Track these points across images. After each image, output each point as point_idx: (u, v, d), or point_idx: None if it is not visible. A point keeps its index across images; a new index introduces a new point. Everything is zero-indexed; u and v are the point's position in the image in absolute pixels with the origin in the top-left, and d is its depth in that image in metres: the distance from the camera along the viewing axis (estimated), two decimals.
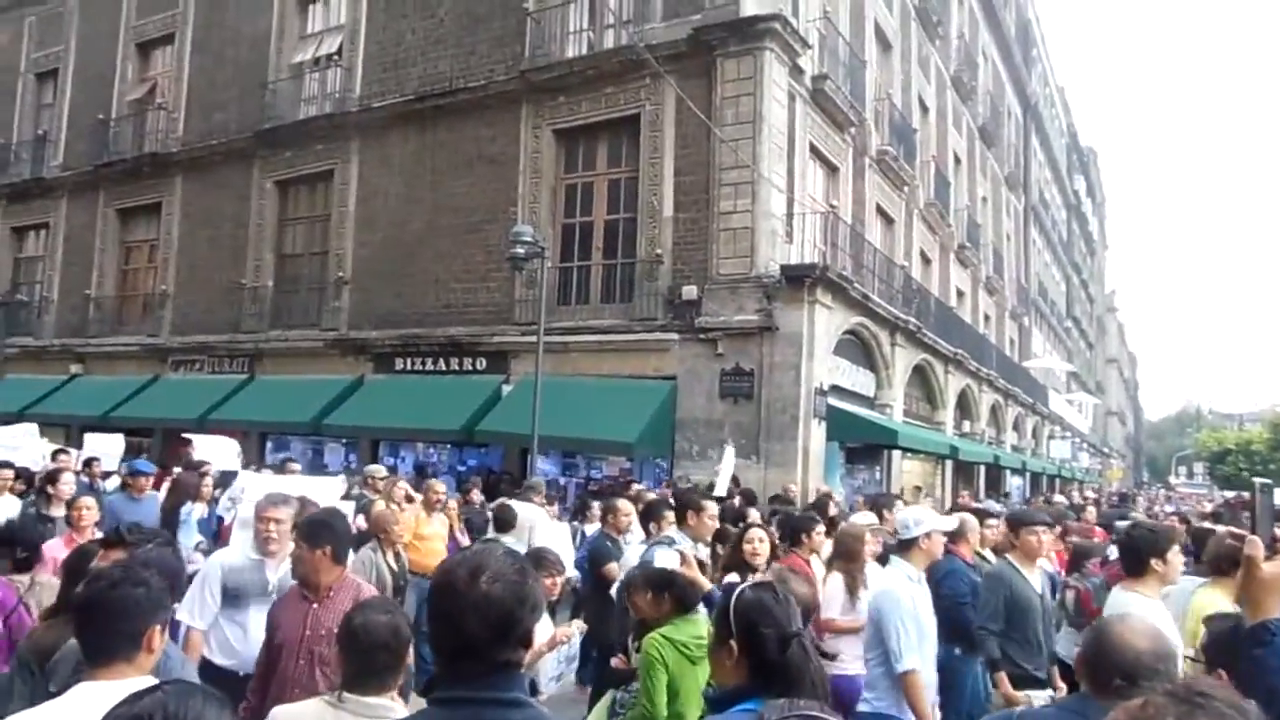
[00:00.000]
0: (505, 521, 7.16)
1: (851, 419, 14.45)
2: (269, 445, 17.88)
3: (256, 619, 4.23)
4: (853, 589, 5.41)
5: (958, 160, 26.45)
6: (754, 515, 7.96)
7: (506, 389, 14.85)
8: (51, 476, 7.21)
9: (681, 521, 5.54)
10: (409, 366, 16.39)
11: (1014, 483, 29.38)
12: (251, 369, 18.63)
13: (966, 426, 23.59)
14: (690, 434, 13.52)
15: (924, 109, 23.12)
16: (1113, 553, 6.74)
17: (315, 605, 3.72)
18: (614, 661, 4.82)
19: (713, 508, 5.77)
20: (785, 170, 14.20)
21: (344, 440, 17.04)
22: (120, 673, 2.20)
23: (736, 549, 5.29)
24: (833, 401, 13.94)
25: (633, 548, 6.42)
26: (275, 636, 3.74)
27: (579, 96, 14.97)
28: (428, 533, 7.89)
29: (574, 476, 15.34)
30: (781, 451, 12.88)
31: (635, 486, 11.61)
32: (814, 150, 15.82)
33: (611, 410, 13.33)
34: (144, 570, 2.39)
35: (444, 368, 15.96)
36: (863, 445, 16.60)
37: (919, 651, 4.42)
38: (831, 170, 16.92)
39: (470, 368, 15.65)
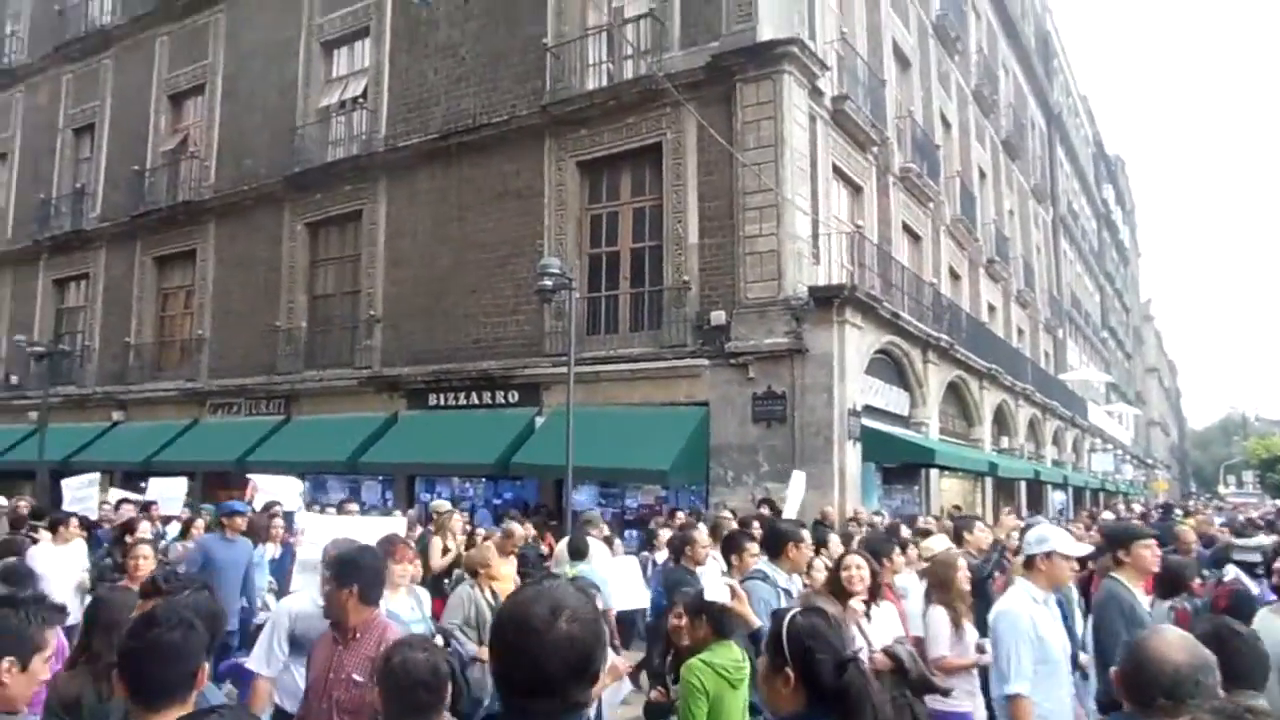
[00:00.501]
0: (579, 551, 7.17)
1: (887, 439, 14.30)
2: (307, 484, 18.01)
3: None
4: (957, 621, 5.13)
5: (982, 174, 26.31)
6: (835, 541, 7.62)
7: (539, 421, 14.88)
8: (128, 526, 7.24)
9: (778, 554, 5.19)
10: (442, 402, 16.49)
11: (1056, 498, 28.85)
12: (288, 410, 18.85)
13: (1005, 442, 23.24)
14: (724, 460, 13.45)
15: (946, 125, 23.06)
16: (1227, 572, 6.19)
17: (341, 648, 3.67)
18: (652, 695, 4.79)
19: (809, 539, 5.49)
20: (809, 192, 14.20)
21: (380, 477, 17.14)
22: (173, 714, 2.25)
23: (834, 577, 5.04)
24: (867, 422, 13.81)
25: (710, 579, 6.23)
26: (309, 678, 3.75)
27: (601, 128, 15.10)
28: (502, 573, 7.76)
29: (610, 506, 15.30)
30: (817, 474, 12.74)
31: (680, 515, 11.56)
32: (837, 171, 15.82)
33: (645, 438, 13.30)
34: (185, 611, 2.43)
35: (476, 402, 16.04)
36: (900, 465, 16.41)
37: (1032, 677, 4.07)
38: (855, 190, 16.90)
39: (502, 401, 15.71)
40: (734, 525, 7.92)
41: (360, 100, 18.76)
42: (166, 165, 22.10)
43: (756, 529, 6.62)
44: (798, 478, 11.54)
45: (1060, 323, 36.19)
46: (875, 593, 5.03)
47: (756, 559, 5.49)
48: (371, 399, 17.33)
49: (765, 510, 11.27)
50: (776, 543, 5.25)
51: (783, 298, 13.22)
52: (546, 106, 15.40)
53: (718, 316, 13.59)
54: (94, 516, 9.77)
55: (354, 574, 3.68)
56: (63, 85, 25.11)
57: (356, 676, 3.51)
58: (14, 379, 24.24)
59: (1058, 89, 39.97)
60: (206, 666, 2.40)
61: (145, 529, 7.35)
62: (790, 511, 10.69)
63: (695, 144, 14.12)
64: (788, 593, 4.77)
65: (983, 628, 4.86)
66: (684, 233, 14.14)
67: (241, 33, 21.07)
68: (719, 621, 4.10)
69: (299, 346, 18.86)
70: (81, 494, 11.40)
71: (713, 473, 13.51)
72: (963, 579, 5.31)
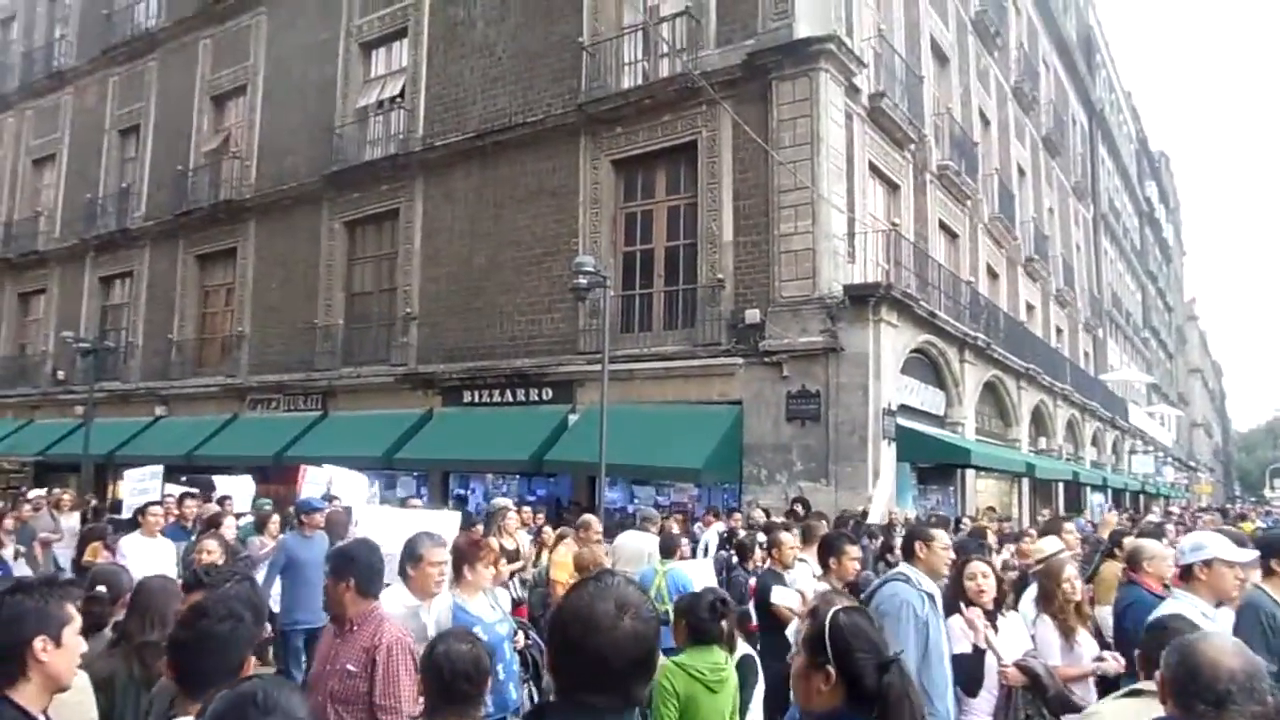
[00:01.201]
0: (669, 549, 7.22)
1: (922, 439, 14.17)
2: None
3: None
4: (1067, 632, 4.85)
5: (1022, 172, 25.95)
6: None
7: (573, 418, 14.94)
8: (213, 521, 7.23)
9: (911, 556, 4.80)
10: (477, 399, 16.63)
11: (1094, 500, 28.38)
12: (325, 406, 19.11)
13: (1042, 443, 22.92)
14: (758, 458, 13.42)
15: (985, 121, 22.78)
16: None
17: (339, 640, 3.69)
18: None
19: (945, 538, 5.06)
20: (845, 190, 14.11)
21: (415, 473, 17.31)
22: None
23: (957, 585, 4.76)
24: (902, 421, 13.70)
25: (802, 583, 5.87)
26: (310, 672, 3.80)
27: (636, 126, 15.13)
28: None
29: (643, 504, 15.32)
30: (852, 474, 12.69)
31: (736, 516, 11.56)
32: (873, 168, 15.71)
33: (678, 436, 13.31)
34: (235, 604, 2.49)
35: (511, 399, 16.15)
36: (935, 465, 16.26)
37: None
38: (892, 188, 16.76)
39: (537, 398, 15.80)
40: (824, 528, 7.53)
41: (398, 100, 18.95)
42: (208, 165, 22.49)
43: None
44: (885, 477, 11.13)
45: (1100, 322, 35.61)
46: (1000, 602, 4.81)
47: (855, 563, 5.37)
48: (407, 395, 17.51)
49: (799, 509, 11.25)
50: (908, 544, 4.90)
51: (818, 296, 13.15)
52: (582, 105, 15.45)
53: (752, 315, 13.56)
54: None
55: (349, 568, 3.69)
56: (109, 87, 25.65)
57: (350, 667, 3.50)
58: (61, 374, 24.81)
59: (1100, 85, 39.30)
60: (253, 658, 2.45)
61: (230, 524, 7.36)
62: (877, 513, 10.47)
63: (730, 142, 14.10)
64: (931, 597, 4.42)
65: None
66: (718, 231, 14.12)
67: (282, 34, 21.38)
68: (695, 625, 4.10)
69: (336, 343, 19.11)
70: (144, 485, 11.42)
71: (746, 471, 13.48)
72: (1069, 588, 4.97)
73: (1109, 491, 28.95)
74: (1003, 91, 24.52)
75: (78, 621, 2.55)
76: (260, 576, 7.56)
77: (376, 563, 3.82)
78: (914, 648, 4.10)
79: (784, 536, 6.52)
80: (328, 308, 19.43)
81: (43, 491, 12.58)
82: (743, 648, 4.77)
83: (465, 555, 4.86)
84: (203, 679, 2.33)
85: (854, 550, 5.43)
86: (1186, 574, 4.21)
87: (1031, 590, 5.39)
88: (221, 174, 22.10)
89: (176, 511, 9.47)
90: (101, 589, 4.01)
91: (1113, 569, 6.32)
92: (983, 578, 4.66)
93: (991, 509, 16.45)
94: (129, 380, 23.35)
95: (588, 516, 8.44)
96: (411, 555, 4.56)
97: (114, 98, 25.51)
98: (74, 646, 2.47)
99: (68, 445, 21.53)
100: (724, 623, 4.22)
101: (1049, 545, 6.39)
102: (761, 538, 9.15)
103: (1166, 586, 5.27)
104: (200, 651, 2.37)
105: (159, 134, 24.04)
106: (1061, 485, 24.73)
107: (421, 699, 2.87)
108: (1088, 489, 26.79)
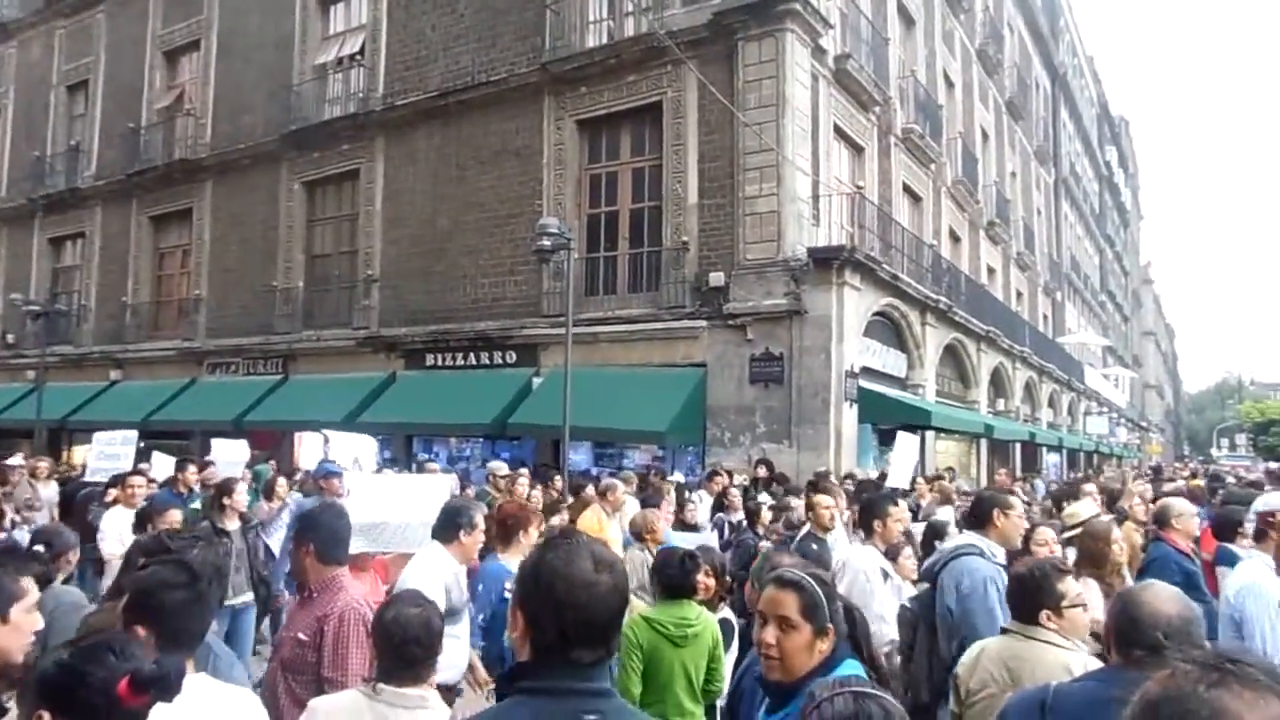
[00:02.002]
0: (685, 523, 7.29)
1: (884, 400, 14.35)
2: (381, 443, 18.00)
3: (465, 627, 4.38)
4: (1109, 593, 4.57)
5: (985, 136, 26.08)
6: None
7: (537, 381, 14.92)
8: (225, 487, 7.00)
9: (985, 524, 4.49)
10: (440, 362, 16.52)
11: (1050, 460, 29.04)
12: (285, 369, 18.87)
13: (1001, 405, 23.34)
14: (721, 421, 13.51)
15: (949, 84, 22.81)
16: None
17: (299, 607, 3.62)
18: None
19: (1020, 505, 4.77)
20: (810, 152, 14.09)
21: (379, 437, 17.15)
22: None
23: (1027, 553, 4.58)
24: (864, 384, 13.86)
25: (841, 548, 5.58)
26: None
27: (600, 86, 14.95)
28: (610, 536, 7.19)
29: (606, 467, 15.38)
30: (814, 435, 12.83)
31: (719, 478, 11.51)
32: (838, 131, 15.69)
33: (642, 399, 13.35)
34: (208, 567, 2.45)
35: (474, 362, 16.06)
36: (896, 426, 16.47)
37: None
38: (857, 150, 16.77)
39: (500, 361, 15.74)
40: (840, 488, 7.24)
41: (357, 57, 18.53)
42: (162, 123, 21.89)
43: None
44: (907, 441, 10.97)
45: (1059, 286, 36.14)
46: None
47: (899, 524, 5.12)
48: (369, 359, 17.34)
49: (763, 471, 11.36)
50: (982, 511, 4.56)
51: (782, 259, 13.18)
52: (546, 64, 15.22)
53: (716, 277, 13.56)
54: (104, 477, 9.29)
55: (310, 532, 3.58)
56: (55, 41, 24.80)
57: (301, 635, 3.40)
58: (10, 338, 24.22)
59: (1063, 49, 39.49)
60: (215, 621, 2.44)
61: (243, 490, 7.16)
62: (899, 479, 10.40)
63: (696, 103, 13.99)
64: (1004, 568, 4.15)
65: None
66: (683, 193, 14.06)
67: None
68: (668, 581, 4.21)
69: (296, 306, 18.83)
70: (113, 450, 10.61)
71: (709, 434, 13.58)
72: (1118, 551, 4.85)
73: (1064, 452, 29.61)
74: (968, 54, 24.55)
75: (31, 596, 2.46)
76: (276, 543, 7.42)
77: (341, 529, 3.69)
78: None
79: (819, 498, 6.04)
80: (287, 270, 19.10)
81: (20, 460, 11.91)
82: (724, 612, 4.84)
83: (519, 520, 4.98)
84: (181, 640, 2.30)
85: (898, 511, 5.10)
86: (1261, 534, 4.30)
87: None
88: (175, 132, 21.53)
89: (178, 477, 9.14)
90: (39, 548, 4.03)
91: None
92: (1052, 544, 4.55)
93: (950, 469, 16.75)
94: (82, 344, 22.85)
95: (611, 480, 8.40)
96: (470, 522, 4.57)
97: (60, 51, 24.67)
98: (24, 624, 2.38)
99: (19, 410, 21.06)
100: (696, 578, 4.30)
101: (1084, 509, 6.17)
102: (765, 498, 9.17)
103: (1196, 544, 5.36)
104: (180, 613, 2.32)
105: (109, 90, 23.32)
106: (1019, 446, 25.22)
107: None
108: (1044, 449, 27.36)
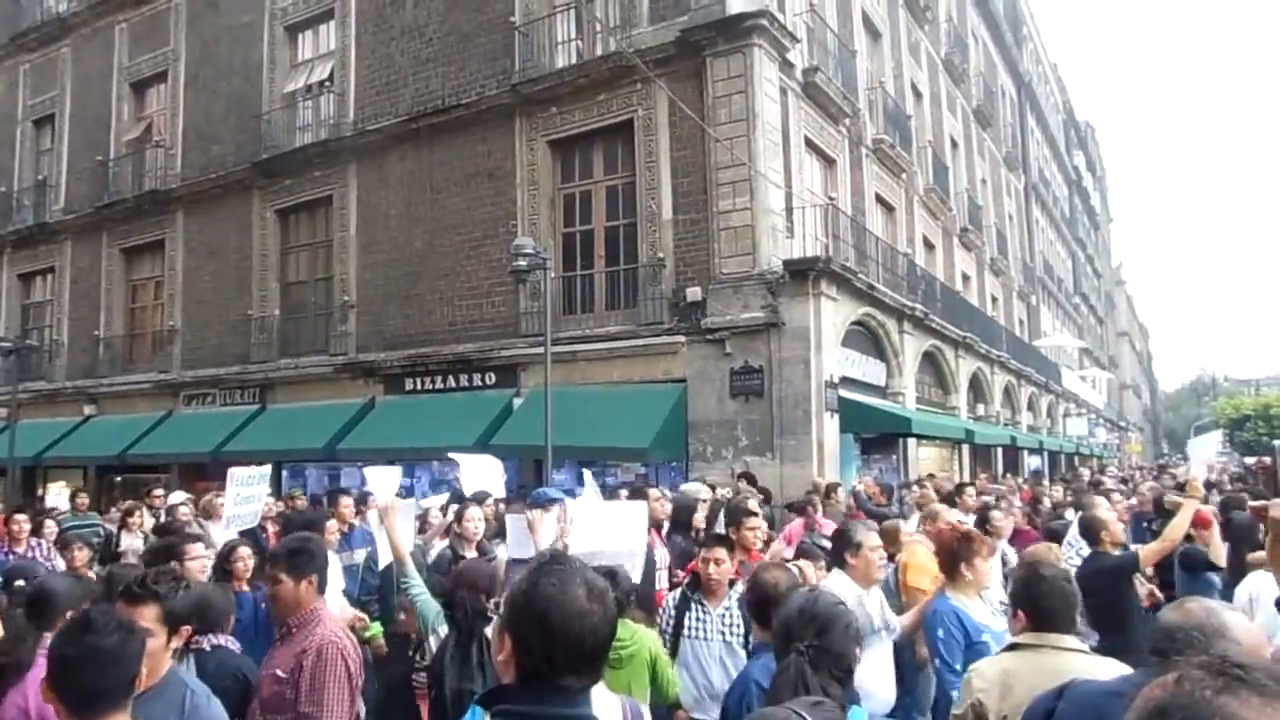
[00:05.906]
0: (682, 524, 7.20)
1: (864, 410, 14.39)
2: (284, 474, 17.91)
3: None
4: None
5: (954, 144, 26.38)
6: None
7: (518, 402, 14.85)
8: (459, 515, 6.98)
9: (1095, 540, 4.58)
10: (419, 386, 16.41)
11: (1032, 463, 29.23)
12: (263, 399, 18.68)
13: (981, 410, 23.48)
14: (704, 435, 13.49)
15: (917, 94, 23.07)
16: None
17: (278, 643, 3.49)
18: None
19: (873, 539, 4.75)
20: (782, 165, 14.18)
21: (359, 464, 17.01)
22: None
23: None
24: (844, 393, 13.89)
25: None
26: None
27: (571, 106, 14.99)
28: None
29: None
30: (796, 447, 12.83)
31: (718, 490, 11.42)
32: (809, 143, 15.80)
33: (623, 416, 13.31)
34: (120, 617, 2.36)
35: (454, 385, 15.98)
36: (877, 435, 16.53)
37: None
38: (828, 162, 16.89)
39: (480, 383, 15.66)
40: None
41: (327, 84, 18.49)
42: (131, 155, 21.73)
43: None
44: (1206, 441, 10.04)
45: (1033, 290, 36.50)
46: None
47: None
48: (348, 385, 17.22)
49: (744, 484, 11.34)
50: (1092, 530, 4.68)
51: (758, 272, 13.23)
52: (516, 85, 15.25)
53: (693, 293, 13.59)
54: (254, 523, 8.39)
55: (311, 563, 3.50)
56: (20, 76, 24.58)
57: (279, 672, 3.32)
58: None
59: (1027, 56, 40.07)
60: (144, 671, 2.31)
61: (475, 515, 6.95)
62: (1197, 472, 9.72)
63: (667, 120, 14.06)
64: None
65: None
66: (658, 209, 14.10)
67: (202, 18, 20.67)
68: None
69: (272, 335, 18.68)
70: (251, 492, 8.58)
71: (692, 449, 13.55)
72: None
73: (1045, 454, 29.82)
74: (934, 64, 24.85)
75: None
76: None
77: (309, 553, 3.60)
78: None
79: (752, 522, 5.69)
80: (262, 299, 18.95)
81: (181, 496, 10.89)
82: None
83: (958, 551, 4.24)
84: (90, 697, 2.18)
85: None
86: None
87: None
88: (145, 164, 21.36)
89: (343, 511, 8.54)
90: (20, 582, 4.12)
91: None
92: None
93: (932, 475, 16.81)
94: (55, 380, 22.53)
95: (649, 493, 8.04)
96: (850, 543, 4.34)
97: (26, 86, 24.44)
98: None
99: None
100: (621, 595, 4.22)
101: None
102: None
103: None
104: (85, 667, 2.18)
105: (76, 123, 23.12)
106: (1000, 450, 25.37)
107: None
108: (1025, 452, 27.54)
